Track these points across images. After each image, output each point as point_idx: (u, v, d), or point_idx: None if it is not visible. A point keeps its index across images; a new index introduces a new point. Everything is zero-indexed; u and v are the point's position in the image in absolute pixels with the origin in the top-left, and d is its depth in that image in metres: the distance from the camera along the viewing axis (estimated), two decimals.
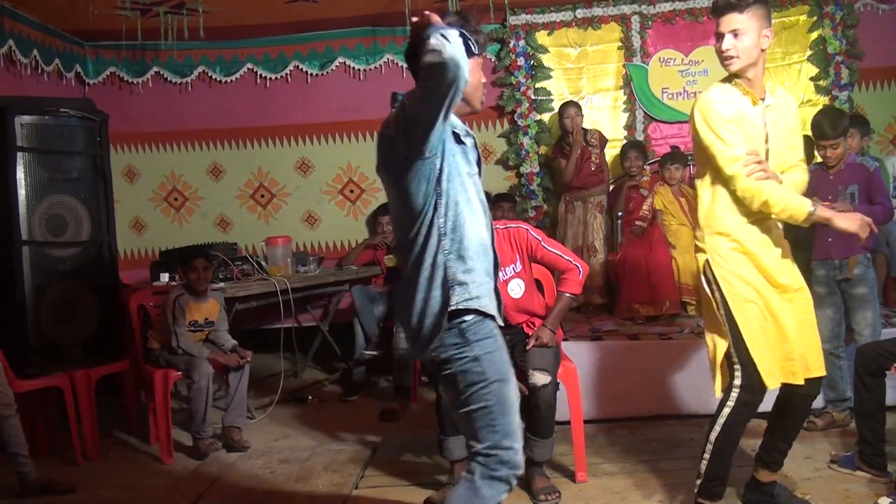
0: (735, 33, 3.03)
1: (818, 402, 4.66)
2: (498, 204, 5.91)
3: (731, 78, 3.14)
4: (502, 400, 2.46)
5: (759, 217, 3.10)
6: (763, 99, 3.15)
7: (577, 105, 6.10)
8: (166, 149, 6.97)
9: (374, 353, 5.84)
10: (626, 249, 5.64)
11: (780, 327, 3.12)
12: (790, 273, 3.19)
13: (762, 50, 3.07)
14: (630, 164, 5.94)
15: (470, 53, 2.34)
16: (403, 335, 5.32)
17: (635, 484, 3.85)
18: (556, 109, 6.43)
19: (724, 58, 3.09)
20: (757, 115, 3.14)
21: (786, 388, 3.17)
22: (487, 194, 4.24)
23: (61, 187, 4.81)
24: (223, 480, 4.27)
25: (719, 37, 3.08)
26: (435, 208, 2.44)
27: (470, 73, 2.30)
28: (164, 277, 5.53)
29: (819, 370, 3.19)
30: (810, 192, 4.48)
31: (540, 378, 3.63)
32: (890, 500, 3.36)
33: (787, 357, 3.14)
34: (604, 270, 5.97)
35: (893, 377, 3.70)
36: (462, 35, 2.26)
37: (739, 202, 3.08)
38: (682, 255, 5.69)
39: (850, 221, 2.99)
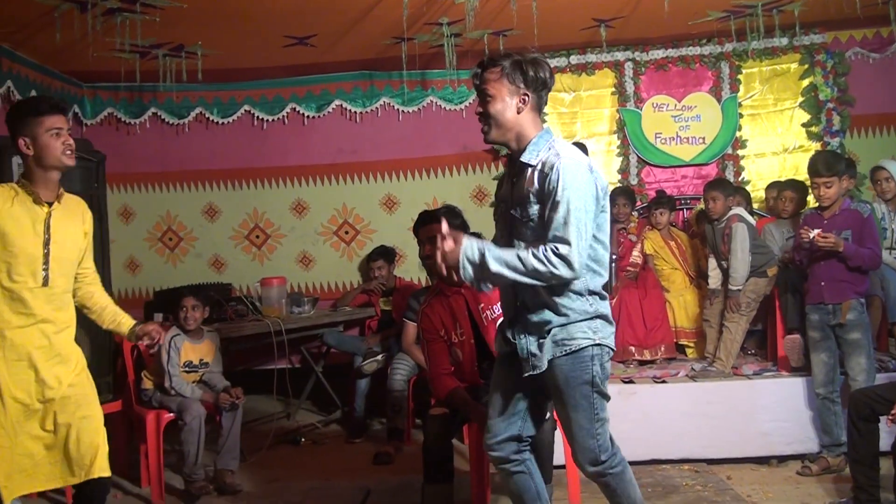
0: None
1: (814, 447, 4.68)
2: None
3: None
4: None
5: None
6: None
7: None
8: (162, 189, 6.99)
9: (376, 359, 5.78)
10: (622, 293, 5.64)
11: None
12: None
13: None
14: (618, 210, 5.78)
15: None
16: (398, 377, 5.36)
17: None
18: None
19: None
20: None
21: None
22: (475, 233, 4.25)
23: None
24: None
25: None
26: None
27: None
28: (158, 317, 5.50)
29: None
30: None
31: None
32: None
33: None
34: None
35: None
36: None
37: None
38: (676, 297, 5.74)
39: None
